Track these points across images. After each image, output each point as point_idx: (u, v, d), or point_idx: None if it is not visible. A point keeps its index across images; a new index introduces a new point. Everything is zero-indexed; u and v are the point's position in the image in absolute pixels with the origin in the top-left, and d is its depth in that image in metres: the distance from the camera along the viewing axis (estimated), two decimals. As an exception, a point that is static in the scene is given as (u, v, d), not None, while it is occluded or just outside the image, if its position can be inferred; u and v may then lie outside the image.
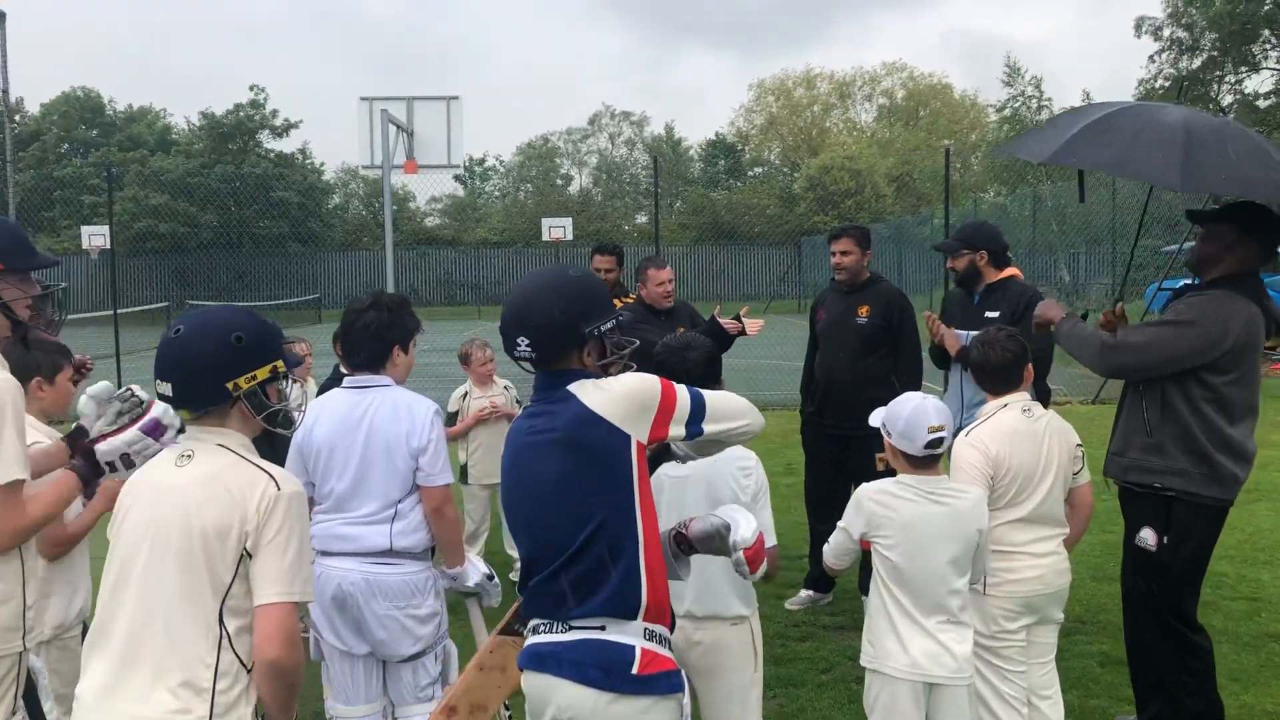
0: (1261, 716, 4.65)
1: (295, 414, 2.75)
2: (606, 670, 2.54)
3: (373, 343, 3.86)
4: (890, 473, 3.57)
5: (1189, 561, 4.14)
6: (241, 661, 2.46)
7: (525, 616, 2.73)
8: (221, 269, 38.82)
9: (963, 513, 3.45)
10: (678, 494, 3.30)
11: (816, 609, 6.20)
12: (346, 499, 3.74)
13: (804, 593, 6.34)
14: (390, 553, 3.71)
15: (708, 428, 2.68)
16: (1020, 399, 3.85)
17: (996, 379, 3.89)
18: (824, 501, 6.25)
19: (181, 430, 2.86)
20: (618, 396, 2.59)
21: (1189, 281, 4.32)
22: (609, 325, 2.68)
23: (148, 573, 2.47)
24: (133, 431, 2.99)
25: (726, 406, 2.73)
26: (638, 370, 2.74)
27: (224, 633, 2.45)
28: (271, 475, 2.51)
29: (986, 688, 3.73)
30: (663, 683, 2.57)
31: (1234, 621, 5.70)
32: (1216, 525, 4.17)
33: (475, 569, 3.94)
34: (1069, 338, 4.26)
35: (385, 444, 3.73)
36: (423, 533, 3.77)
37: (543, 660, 2.62)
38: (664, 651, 2.60)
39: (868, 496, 3.48)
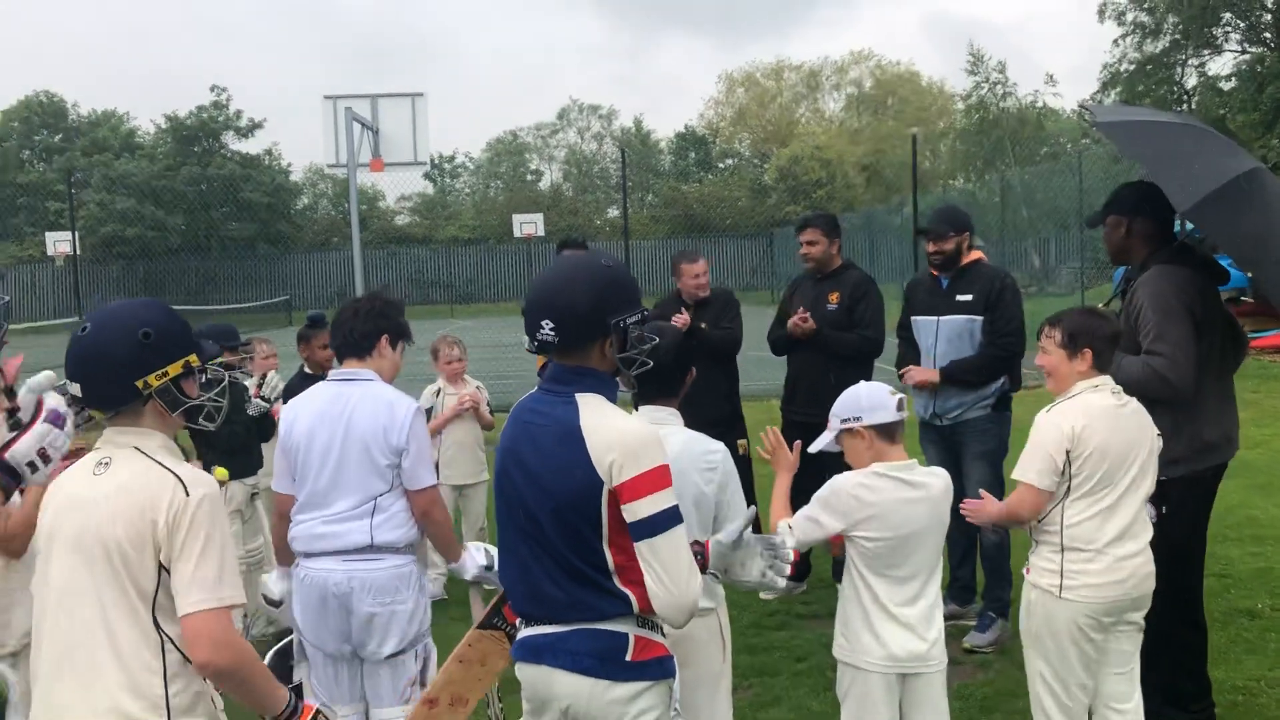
0: (1231, 692, 4.69)
1: (217, 409, 2.63)
2: (602, 658, 2.55)
3: (363, 324, 3.84)
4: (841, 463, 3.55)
5: (1189, 526, 4.21)
6: (190, 662, 2.43)
7: (514, 608, 2.72)
8: (190, 272, 38.54)
9: (937, 498, 3.43)
10: None
11: (791, 598, 6.21)
12: (324, 494, 3.70)
13: (779, 582, 6.34)
14: (372, 548, 3.67)
15: (645, 546, 2.49)
16: (1109, 382, 3.65)
17: (1115, 352, 3.71)
18: (801, 490, 6.24)
19: (83, 413, 2.80)
20: (610, 428, 2.53)
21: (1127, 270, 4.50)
22: (634, 318, 2.63)
23: (80, 587, 2.41)
24: (40, 426, 2.88)
25: (677, 558, 2.51)
26: (653, 366, 2.69)
27: (163, 637, 2.40)
28: (180, 480, 2.41)
29: (1049, 697, 3.58)
30: (655, 668, 2.59)
31: (1204, 599, 5.74)
32: (1213, 486, 4.29)
33: (473, 561, 3.89)
34: (1128, 385, 4.04)
35: (363, 439, 3.68)
36: (405, 528, 3.73)
37: (538, 652, 2.61)
38: (656, 637, 2.61)
39: (847, 491, 3.40)
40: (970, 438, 5.46)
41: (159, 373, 2.47)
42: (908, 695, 3.40)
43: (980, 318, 5.39)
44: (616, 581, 2.54)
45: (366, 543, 3.67)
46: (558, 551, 2.55)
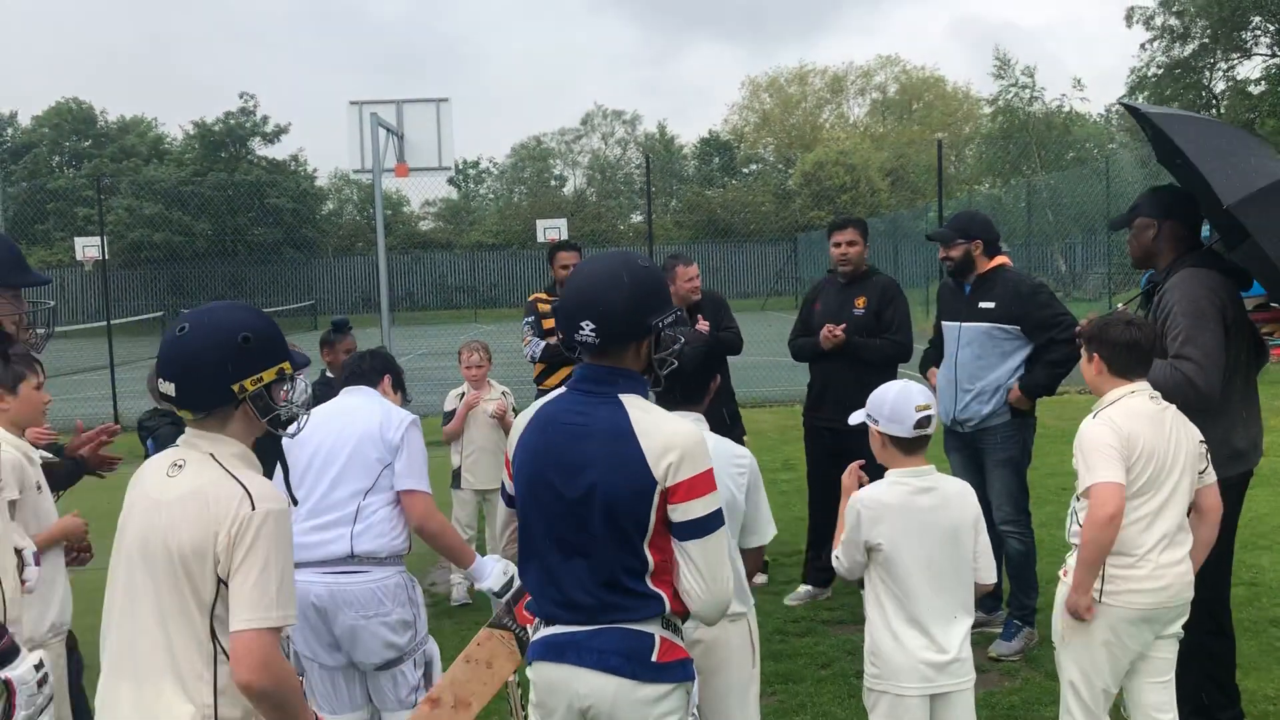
0: (1262, 701, 4.64)
1: (301, 413, 2.62)
2: (629, 658, 2.54)
3: (370, 363, 4.10)
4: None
5: (1220, 536, 4.12)
6: None
7: (537, 613, 2.70)
8: (217, 277, 38.78)
9: (950, 498, 3.39)
10: None
11: (815, 604, 6.19)
12: (311, 487, 3.72)
13: (803, 588, 6.33)
14: (352, 558, 3.66)
15: (694, 546, 2.51)
16: (1145, 387, 3.60)
17: (1140, 361, 3.62)
18: (825, 497, 6.25)
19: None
20: (663, 430, 2.53)
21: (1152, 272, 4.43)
22: (670, 319, 2.64)
23: (143, 588, 2.42)
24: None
25: (722, 558, 2.55)
26: (679, 372, 2.73)
27: (217, 648, 2.39)
28: (249, 493, 2.39)
29: (1074, 698, 3.56)
30: (679, 670, 2.61)
31: (1234, 607, 5.67)
32: (1240, 493, 4.22)
33: (490, 571, 3.79)
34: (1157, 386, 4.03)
35: (358, 433, 3.75)
36: (388, 538, 3.71)
37: (561, 650, 2.60)
38: (679, 640, 2.63)
39: (863, 505, 3.38)
40: (992, 445, 5.43)
41: (255, 378, 2.46)
42: (936, 716, 3.36)
43: (1003, 325, 5.33)
44: (650, 582, 2.54)
45: (346, 552, 3.65)
46: (598, 552, 2.53)
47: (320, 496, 3.71)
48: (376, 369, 4.10)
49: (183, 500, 2.40)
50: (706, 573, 2.52)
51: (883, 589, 3.38)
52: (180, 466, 2.46)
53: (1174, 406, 3.65)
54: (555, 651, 2.61)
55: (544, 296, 6.85)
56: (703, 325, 6.33)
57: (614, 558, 2.52)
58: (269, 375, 2.49)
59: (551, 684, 2.62)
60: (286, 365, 2.53)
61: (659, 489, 2.49)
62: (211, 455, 2.46)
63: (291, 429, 2.60)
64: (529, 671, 2.70)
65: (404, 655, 3.72)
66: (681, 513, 2.49)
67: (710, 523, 2.52)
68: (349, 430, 3.76)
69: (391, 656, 3.69)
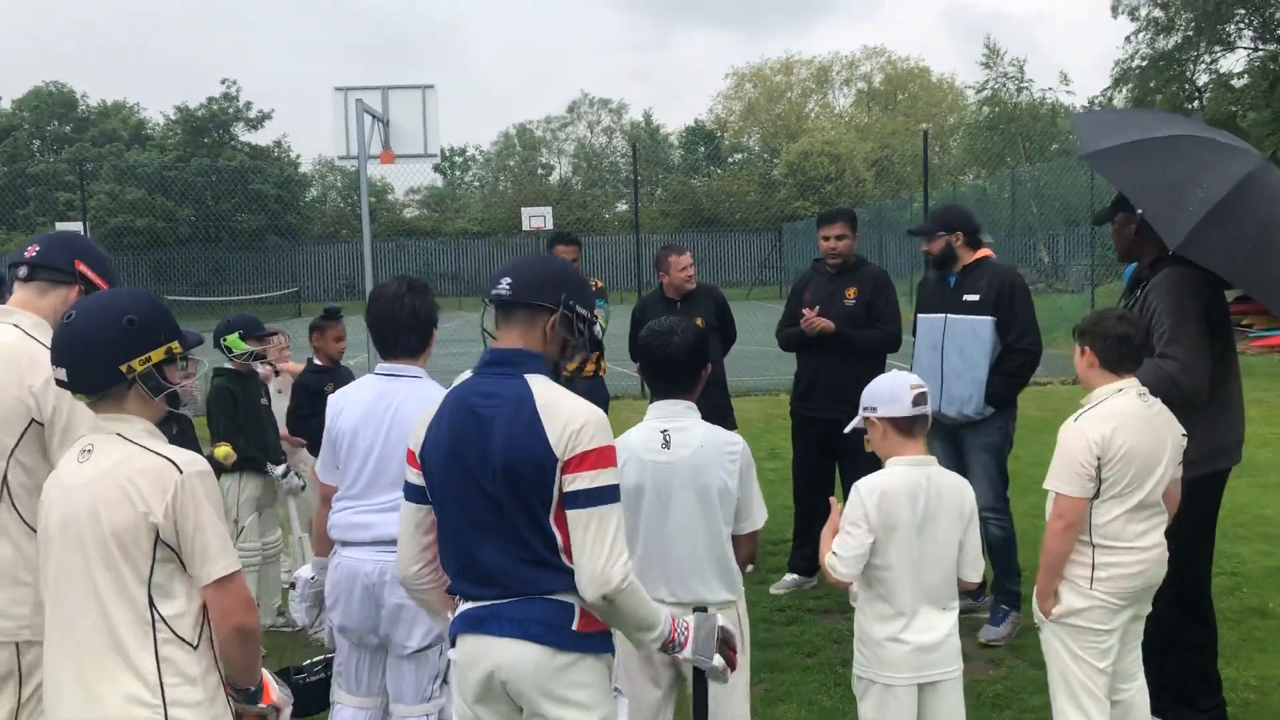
0: (1244, 690, 4.69)
1: (194, 394, 2.72)
2: (548, 625, 2.58)
3: (421, 328, 3.77)
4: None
5: (1196, 527, 4.17)
6: (185, 641, 2.50)
7: (456, 592, 2.71)
8: (200, 263, 38.59)
9: (945, 491, 3.41)
10: (663, 480, 3.27)
11: (801, 593, 6.21)
12: (367, 487, 3.70)
13: (788, 577, 6.35)
14: None
15: (574, 517, 2.53)
16: (1134, 384, 3.66)
17: (1130, 355, 3.66)
18: (811, 487, 6.26)
19: None
20: (564, 406, 2.59)
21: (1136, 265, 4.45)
22: (585, 313, 2.75)
23: (74, 571, 2.50)
24: None
25: (604, 535, 2.53)
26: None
27: (156, 617, 2.48)
28: (172, 460, 2.50)
29: (1065, 691, 3.62)
30: (599, 641, 2.65)
31: (1215, 597, 5.71)
32: (1221, 487, 4.28)
33: None
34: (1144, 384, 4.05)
35: (405, 437, 3.65)
36: None
37: (481, 622, 2.63)
38: (597, 615, 2.66)
39: (866, 490, 3.39)
40: (973, 432, 5.45)
41: (142, 358, 2.55)
42: (925, 704, 3.38)
43: (988, 318, 5.35)
44: (564, 557, 2.59)
45: None
46: (508, 529, 2.58)
47: (378, 491, 3.69)
48: (425, 338, 3.76)
49: (99, 481, 2.49)
50: (585, 545, 2.53)
51: (872, 575, 3.40)
52: (89, 451, 2.55)
53: (1159, 401, 3.70)
54: (474, 623, 2.64)
55: None
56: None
57: (526, 534, 2.57)
58: (157, 355, 2.58)
59: (472, 656, 2.65)
60: (175, 345, 2.63)
61: (559, 465, 2.55)
62: (119, 435, 2.55)
63: (188, 409, 2.69)
64: (451, 652, 2.72)
65: (437, 640, 3.72)
66: (569, 483, 2.55)
67: (597, 496, 2.54)
68: (397, 432, 3.62)
69: (428, 642, 3.69)
